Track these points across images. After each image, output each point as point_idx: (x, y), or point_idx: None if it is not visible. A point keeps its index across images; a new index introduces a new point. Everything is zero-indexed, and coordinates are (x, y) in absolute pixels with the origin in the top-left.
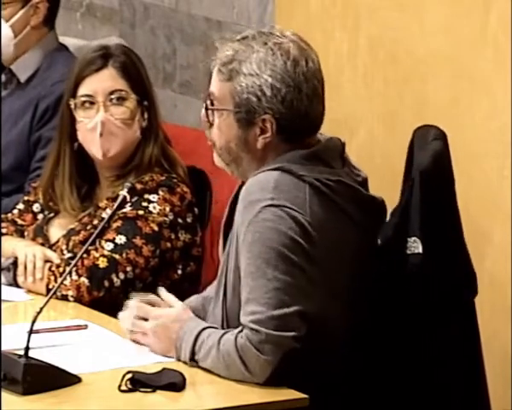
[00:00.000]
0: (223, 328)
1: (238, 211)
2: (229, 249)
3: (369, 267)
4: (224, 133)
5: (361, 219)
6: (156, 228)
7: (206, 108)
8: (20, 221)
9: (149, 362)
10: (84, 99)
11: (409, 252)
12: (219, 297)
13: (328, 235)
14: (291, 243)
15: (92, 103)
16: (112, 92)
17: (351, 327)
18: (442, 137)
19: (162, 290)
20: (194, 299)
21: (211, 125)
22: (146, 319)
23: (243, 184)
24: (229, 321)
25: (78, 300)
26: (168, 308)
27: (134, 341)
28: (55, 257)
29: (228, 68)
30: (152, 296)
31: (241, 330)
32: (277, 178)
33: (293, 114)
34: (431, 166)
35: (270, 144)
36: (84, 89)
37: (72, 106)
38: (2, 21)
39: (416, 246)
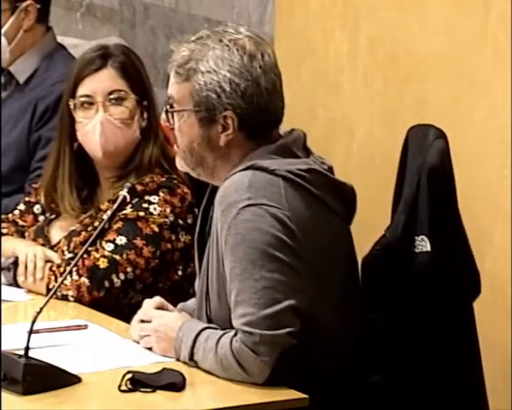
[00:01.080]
0: None
1: (216, 217)
2: (209, 258)
3: (352, 257)
4: (185, 134)
5: (338, 207)
6: (157, 229)
7: (167, 112)
8: (20, 222)
9: (149, 362)
10: (83, 99)
11: (417, 250)
12: (203, 308)
13: (309, 226)
14: (274, 241)
15: (91, 104)
16: (111, 92)
17: (344, 323)
18: (443, 135)
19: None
20: (190, 303)
21: (172, 128)
22: (150, 322)
23: (212, 193)
24: None
25: (79, 300)
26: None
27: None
28: (55, 257)
29: (185, 69)
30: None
31: (235, 334)
32: (251, 177)
33: (253, 109)
34: (439, 164)
35: (234, 141)
36: (83, 89)
37: (72, 106)
38: None
39: (423, 244)
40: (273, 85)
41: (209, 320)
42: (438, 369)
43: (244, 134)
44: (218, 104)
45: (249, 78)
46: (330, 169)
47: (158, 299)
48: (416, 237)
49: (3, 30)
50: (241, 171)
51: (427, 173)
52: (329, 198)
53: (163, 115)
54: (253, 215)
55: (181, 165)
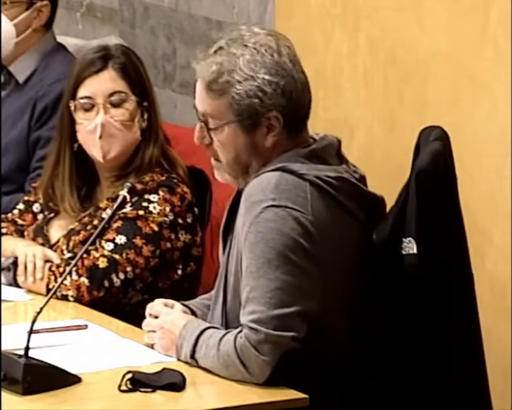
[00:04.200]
0: None
1: (240, 213)
2: (230, 252)
3: (370, 267)
4: (229, 147)
5: (362, 216)
6: (156, 228)
7: (208, 129)
8: (20, 221)
9: (149, 362)
10: (83, 101)
11: (404, 252)
12: (219, 300)
13: (331, 233)
14: (293, 244)
15: (92, 105)
16: (111, 94)
17: (351, 327)
18: (443, 137)
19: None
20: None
21: (210, 144)
22: (157, 318)
23: (240, 190)
24: (230, 324)
25: (78, 300)
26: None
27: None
28: (55, 257)
29: (218, 83)
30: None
31: (241, 331)
32: (278, 179)
33: (293, 104)
34: (428, 166)
35: (277, 141)
36: (83, 91)
37: (72, 107)
38: (4, 19)
39: (410, 246)
40: (304, 75)
41: (224, 313)
42: (430, 369)
43: (286, 131)
44: (261, 108)
45: (285, 74)
46: (362, 178)
47: (168, 300)
48: (404, 239)
49: (14, 22)
50: (269, 171)
51: (416, 176)
52: (355, 207)
53: (196, 134)
54: (276, 216)
55: (224, 178)
